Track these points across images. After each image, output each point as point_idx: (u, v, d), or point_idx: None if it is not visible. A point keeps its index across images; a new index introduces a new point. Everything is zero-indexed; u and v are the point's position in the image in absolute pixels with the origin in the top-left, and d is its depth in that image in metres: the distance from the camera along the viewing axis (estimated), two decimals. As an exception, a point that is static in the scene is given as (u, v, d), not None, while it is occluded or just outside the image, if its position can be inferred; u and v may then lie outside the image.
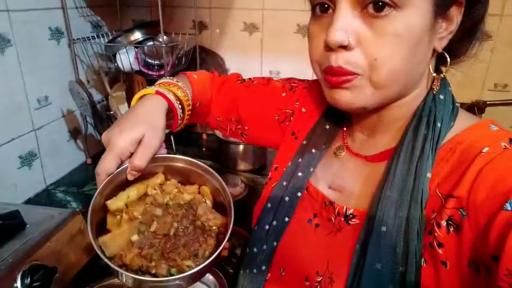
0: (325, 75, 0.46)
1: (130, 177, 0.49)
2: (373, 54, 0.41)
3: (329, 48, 0.43)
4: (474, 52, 0.49)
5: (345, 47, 0.42)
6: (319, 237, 0.52)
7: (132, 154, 0.49)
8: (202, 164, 0.52)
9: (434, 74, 0.47)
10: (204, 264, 0.44)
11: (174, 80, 0.63)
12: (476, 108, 1.25)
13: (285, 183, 0.57)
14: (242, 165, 1.26)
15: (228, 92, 0.71)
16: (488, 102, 1.25)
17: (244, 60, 1.45)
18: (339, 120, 0.58)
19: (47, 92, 1.09)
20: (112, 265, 0.43)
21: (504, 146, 0.40)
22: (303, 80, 0.69)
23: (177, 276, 0.44)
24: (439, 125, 0.45)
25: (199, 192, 0.54)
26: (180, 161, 0.53)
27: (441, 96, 0.47)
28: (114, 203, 0.49)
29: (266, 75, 1.44)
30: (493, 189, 0.37)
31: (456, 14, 0.43)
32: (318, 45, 0.45)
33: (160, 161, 0.53)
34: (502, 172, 0.38)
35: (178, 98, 0.60)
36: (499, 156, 0.39)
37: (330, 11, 0.44)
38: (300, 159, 0.58)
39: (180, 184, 0.54)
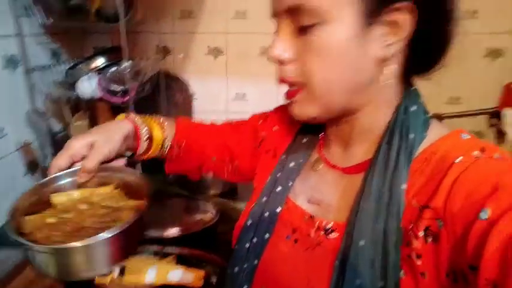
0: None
1: (79, 179, 0.55)
2: (306, 66, 0.46)
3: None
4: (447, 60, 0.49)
5: (284, 62, 0.47)
6: (298, 253, 0.52)
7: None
8: (147, 182, 0.55)
9: (383, 83, 0.47)
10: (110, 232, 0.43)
11: (160, 117, 0.72)
12: (434, 121, 1.31)
13: (264, 199, 0.57)
14: (212, 190, 1.23)
15: (218, 132, 0.76)
16: (443, 115, 1.32)
17: (209, 84, 1.45)
18: (315, 133, 0.59)
19: (1, 123, 1.02)
20: (18, 238, 0.43)
21: (476, 154, 0.41)
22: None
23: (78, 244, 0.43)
24: (411, 136, 0.46)
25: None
26: (131, 174, 0.57)
27: (413, 108, 0.48)
28: (57, 197, 0.54)
29: (232, 98, 1.46)
30: (468, 199, 0.38)
31: (404, 20, 0.42)
32: None
33: (111, 171, 0.58)
34: (475, 181, 0.39)
35: (149, 128, 0.67)
36: (472, 165, 0.40)
37: None
38: (279, 174, 0.58)
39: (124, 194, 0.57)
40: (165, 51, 1.43)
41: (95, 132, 0.59)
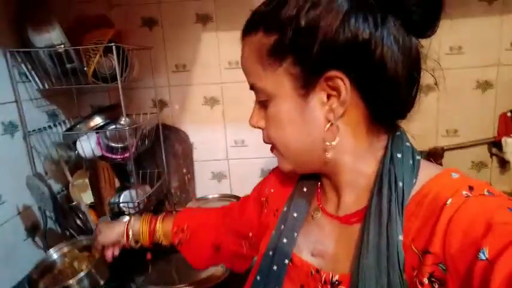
0: None
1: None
2: (267, 133, 0.54)
3: None
4: (417, 109, 0.50)
5: (259, 128, 0.56)
6: None
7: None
8: None
9: (328, 143, 0.49)
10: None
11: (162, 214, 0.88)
12: (435, 154, 1.32)
13: (271, 253, 0.57)
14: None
15: (225, 210, 0.84)
16: (445, 148, 1.33)
17: (208, 133, 1.46)
18: (314, 182, 0.60)
19: (0, 190, 1.00)
20: None
21: (466, 194, 0.42)
22: None
23: None
24: (400, 184, 0.46)
25: None
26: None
27: (398, 155, 0.48)
28: None
29: (231, 145, 1.46)
30: (464, 239, 0.39)
31: (341, 86, 0.45)
32: None
33: None
34: (467, 222, 0.40)
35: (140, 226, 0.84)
36: (463, 206, 0.41)
37: None
38: (283, 226, 0.58)
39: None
40: (161, 104, 1.45)
41: (105, 224, 0.88)
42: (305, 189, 0.61)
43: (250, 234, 0.73)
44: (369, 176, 0.51)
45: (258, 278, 0.57)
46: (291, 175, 0.64)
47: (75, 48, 1.04)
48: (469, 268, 0.37)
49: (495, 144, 1.33)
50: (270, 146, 0.57)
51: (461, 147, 1.35)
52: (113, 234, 0.84)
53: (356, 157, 0.51)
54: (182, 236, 0.81)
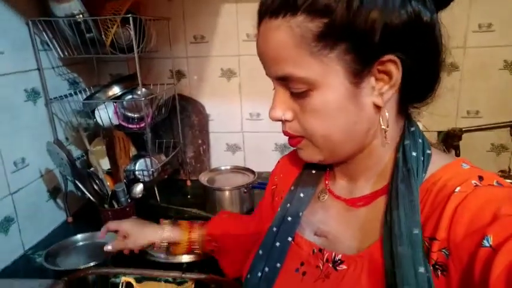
0: None
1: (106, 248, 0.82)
2: (304, 125, 0.49)
3: None
4: (439, 92, 0.49)
5: (285, 121, 0.50)
6: (307, 285, 0.52)
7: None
8: None
9: (383, 127, 0.48)
10: None
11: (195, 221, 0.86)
12: (453, 135, 1.28)
13: (275, 229, 0.58)
14: (229, 211, 1.23)
15: (254, 215, 0.80)
16: (464, 129, 1.29)
17: (224, 105, 1.47)
18: (322, 166, 0.60)
19: (24, 153, 1.06)
20: None
21: (474, 183, 0.42)
22: None
23: None
24: (415, 171, 0.46)
25: None
26: None
27: (414, 153, 0.48)
28: None
29: (246, 118, 1.47)
30: (469, 227, 0.39)
31: (393, 69, 0.44)
32: None
33: None
34: (475, 210, 0.40)
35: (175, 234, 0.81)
36: (471, 194, 0.41)
37: None
38: (289, 204, 0.59)
39: None
40: (179, 75, 1.46)
41: (135, 225, 0.82)
42: (314, 171, 0.61)
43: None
44: (384, 162, 0.51)
45: (261, 252, 0.58)
46: (298, 161, 0.64)
47: (93, 18, 1.05)
48: (472, 254, 0.38)
49: (518, 128, 1.28)
50: (283, 133, 0.52)
51: (481, 129, 1.31)
52: (143, 240, 0.79)
53: (381, 143, 0.50)
54: (216, 245, 0.80)
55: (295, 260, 0.55)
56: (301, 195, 0.59)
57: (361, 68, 0.43)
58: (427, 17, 0.43)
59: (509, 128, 1.30)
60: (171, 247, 0.81)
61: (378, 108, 0.47)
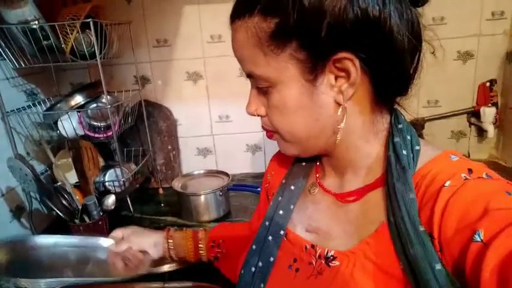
0: None
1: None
2: (271, 120, 0.52)
3: None
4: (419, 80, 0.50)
5: (260, 116, 0.53)
6: (300, 282, 0.52)
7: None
8: None
9: (339, 126, 0.48)
10: None
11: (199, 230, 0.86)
12: (416, 125, 1.34)
13: (267, 223, 0.58)
14: (206, 216, 1.21)
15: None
16: (426, 118, 1.36)
17: (192, 108, 1.45)
18: (312, 158, 0.60)
19: (-19, 172, 0.99)
20: None
21: (464, 177, 0.42)
22: None
23: None
24: (406, 165, 0.46)
25: None
26: None
27: (397, 139, 0.49)
28: None
29: (216, 121, 1.46)
30: (460, 223, 0.39)
31: (350, 67, 0.44)
32: None
33: None
34: (465, 205, 0.40)
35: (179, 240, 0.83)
36: (461, 188, 0.41)
37: None
38: (280, 198, 0.59)
39: None
40: (144, 80, 1.42)
41: (136, 229, 0.86)
42: (304, 164, 0.61)
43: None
44: (372, 157, 0.51)
45: (254, 247, 0.57)
46: (288, 156, 0.63)
47: (50, 24, 1.00)
48: (463, 249, 0.38)
49: (474, 114, 1.37)
50: (261, 127, 0.55)
51: (441, 118, 1.38)
52: (143, 243, 0.81)
53: (361, 137, 0.51)
54: (219, 251, 0.80)
55: (288, 257, 0.55)
56: (292, 187, 0.59)
57: (314, 65, 0.45)
58: (376, 12, 0.42)
59: (466, 115, 1.39)
60: (176, 251, 0.82)
61: (340, 105, 0.47)
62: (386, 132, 0.51)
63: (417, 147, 0.48)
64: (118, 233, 0.85)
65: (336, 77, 0.45)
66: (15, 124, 1.11)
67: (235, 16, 0.48)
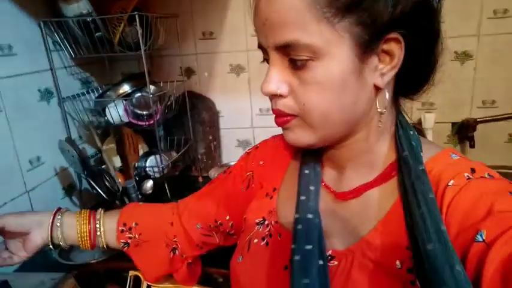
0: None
1: None
2: (301, 100, 0.44)
3: None
4: (436, 79, 0.48)
5: (278, 95, 0.46)
6: None
7: None
8: None
9: (379, 110, 0.47)
10: None
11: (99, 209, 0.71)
12: (467, 126, 1.25)
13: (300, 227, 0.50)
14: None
15: (195, 204, 0.71)
16: (478, 120, 1.25)
17: (234, 100, 1.47)
18: (316, 154, 0.57)
19: (38, 152, 1.10)
20: None
21: (467, 176, 0.42)
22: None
23: None
24: (424, 167, 0.45)
25: None
26: None
27: (400, 133, 0.49)
28: None
29: (256, 113, 1.47)
30: (463, 223, 0.39)
31: (395, 49, 0.42)
32: None
33: None
34: (468, 204, 0.39)
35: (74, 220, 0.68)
36: (464, 188, 0.41)
37: None
38: (304, 197, 0.52)
39: None
40: (189, 72, 1.47)
41: (15, 213, 0.66)
42: (311, 158, 0.56)
43: (228, 217, 0.66)
44: (375, 154, 0.50)
45: (299, 226, 0.50)
46: (287, 149, 0.61)
47: (101, 17, 1.07)
48: (465, 249, 0.38)
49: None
50: (272, 111, 0.48)
51: (498, 119, 1.27)
52: (25, 221, 0.65)
53: (376, 131, 0.49)
54: (130, 236, 0.68)
55: (282, 257, 0.51)
56: (312, 188, 0.53)
57: (368, 42, 0.41)
58: (436, 1, 0.43)
59: (527, 118, 1.26)
60: (66, 233, 0.67)
61: (377, 90, 0.45)
62: (393, 131, 0.50)
63: (420, 144, 0.48)
64: None
65: (379, 59, 0.43)
66: (70, 110, 1.21)
67: None
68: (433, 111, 1.29)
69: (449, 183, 0.42)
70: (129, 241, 0.69)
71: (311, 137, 0.47)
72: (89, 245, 0.67)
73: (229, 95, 1.47)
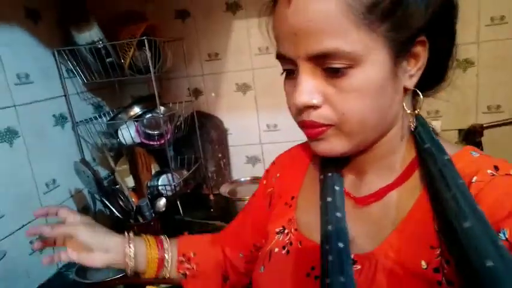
0: (303, 128, 0.48)
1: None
2: (340, 109, 0.44)
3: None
4: (448, 81, 0.50)
5: (312, 107, 0.45)
6: None
7: None
8: None
9: (409, 111, 0.48)
10: None
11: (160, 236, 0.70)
12: (474, 132, 1.26)
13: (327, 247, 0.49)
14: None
15: (231, 230, 0.72)
16: (485, 125, 1.26)
17: (241, 118, 1.51)
18: (336, 161, 0.56)
19: (54, 175, 1.13)
20: None
21: (491, 173, 0.42)
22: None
23: None
24: (445, 161, 0.45)
25: None
26: None
27: (419, 129, 0.49)
28: None
29: (264, 130, 1.50)
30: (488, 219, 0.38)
31: (421, 51, 0.44)
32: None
33: None
34: (492, 202, 0.39)
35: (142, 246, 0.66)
36: (488, 185, 0.41)
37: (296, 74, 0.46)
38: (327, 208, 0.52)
39: None
40: (196, 92, 1.51)
41: (87, 225, 0.63)
42: (331, 167, 0.56)
43: (264, 240, 0.63)
44: (396, 155, 0.50)
45: (329, 227, 0.49)
46: (303, 160, 0.62)
47: (111, 43, 1.12)
48: None
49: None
50: (305, 123, 0.46)
51: (505, 124, 1.27)
52: (95, 240, 0.61)
53: (396, 131, 0.49)
54: (188, 267, 0.68)
55: (304, 265, 0.51)
56: (337, 188, 0.53)
57: (402, 47, 0.42)
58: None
59: (534, 121, 1.26)
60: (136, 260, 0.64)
61: (405, 92, 0.47)
62: (411, 129, 0.50)
63: (436, 138, 0.48)
64: (65, 212, 0.65)
65: (407, 62, 0.45)
66: (84, 133, 1.25)
67: None
68: (439, 119, 1.30)
69: (473, 180, 0.42)
70: (187, 272, 0.68)
71: (346, 145, 0.47)
72: (154, 275, 0.66)
73: (237, 113, 1.50)
